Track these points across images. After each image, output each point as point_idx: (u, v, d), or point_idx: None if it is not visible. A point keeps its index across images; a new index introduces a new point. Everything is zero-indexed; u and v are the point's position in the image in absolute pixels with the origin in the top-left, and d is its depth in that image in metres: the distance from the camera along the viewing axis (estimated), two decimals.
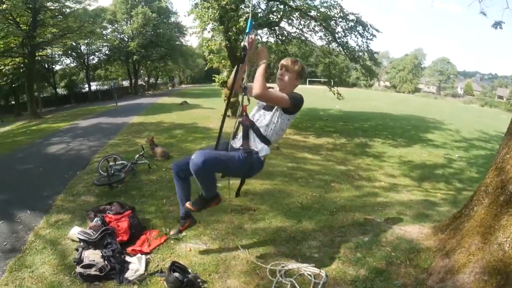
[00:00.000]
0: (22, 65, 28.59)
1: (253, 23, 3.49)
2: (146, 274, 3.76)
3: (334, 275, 3.75)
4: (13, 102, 37.19)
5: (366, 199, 6.81)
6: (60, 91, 45.94)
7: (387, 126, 21.97)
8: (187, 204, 3.69)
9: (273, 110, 3.45)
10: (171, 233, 4.44)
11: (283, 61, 3.62)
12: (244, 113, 3.56)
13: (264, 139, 3.47)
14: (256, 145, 3.47)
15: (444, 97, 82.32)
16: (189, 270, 3.67)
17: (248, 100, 3.56)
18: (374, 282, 3.60)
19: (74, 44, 37.01)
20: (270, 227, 4.97)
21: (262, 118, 3.52)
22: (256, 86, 3.23)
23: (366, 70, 19.32)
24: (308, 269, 3.79)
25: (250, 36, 3.48)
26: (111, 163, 7.46)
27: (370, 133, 18.51)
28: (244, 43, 3.51)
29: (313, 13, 17.40)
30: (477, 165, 12.91)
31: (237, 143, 3.57)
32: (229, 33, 16.25)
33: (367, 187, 8.15)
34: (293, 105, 3.40)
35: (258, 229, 4.86)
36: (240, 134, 3.57)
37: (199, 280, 3.56)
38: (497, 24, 13.33)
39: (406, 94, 79.81)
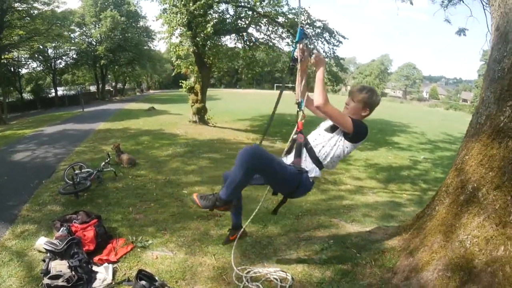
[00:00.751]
0: None
1: (302, 30, 3.18)
2: (113, 283, 3.73)
3: (300, 278, 3.81)
4: None
5: (331, 202, 6.93)
6: (26, 96, 44.75)
7: None
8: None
9: (334, 133, 3.22)
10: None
11: (352, 88, 3.45)
12: (299, 130, 3.30)
13: (316, 161, 3.24)
14: (307, 164, 3.24)
15: (410, 101, 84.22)
16: (156, 278, 3.66)
17: (303, 115, 3.32)
18: (340, 284, 3.66)
19: (41, 47, 36.23)
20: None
21: (319, 138, 3.29)
22: (317, 94, 3.00)
23: (332, 76, 19.63)
24: (274, 273, 3.83)
25: (300, 46, 3.23)
26: (76, 171, 7.35)
27: None
28: (295, 54, 3.28)
29: (280, 19, 17.67)
30: (442, 165, 13.23)
31: (289, 159, 3.32)
32: (197, 38, 16.28)
33: (333, 190, 8.28)
34: (355, 132, 3.11)
35: (224, 235, 4.81)
36: (294, 151, 3.29)
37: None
38: (461, 31, 13.74)
39: None
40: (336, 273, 3.83)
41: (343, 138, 3.17)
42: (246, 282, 3.70)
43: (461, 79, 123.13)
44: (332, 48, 18.35)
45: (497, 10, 3.51)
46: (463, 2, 13.39)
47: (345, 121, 3.06)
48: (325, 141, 3.23)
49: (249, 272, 3.87)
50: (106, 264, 4.04)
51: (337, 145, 3.20)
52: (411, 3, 13.77)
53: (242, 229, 3.90)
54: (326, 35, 17.99)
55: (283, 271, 3.86)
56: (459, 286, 3.00)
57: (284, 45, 19.81)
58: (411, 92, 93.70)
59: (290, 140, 3.39)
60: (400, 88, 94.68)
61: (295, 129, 3.31)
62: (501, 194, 3.02)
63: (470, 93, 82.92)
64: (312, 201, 6.76)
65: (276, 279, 3.74)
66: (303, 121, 3.31)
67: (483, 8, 7.50)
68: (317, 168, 3.25)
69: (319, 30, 17.96)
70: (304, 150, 3.25)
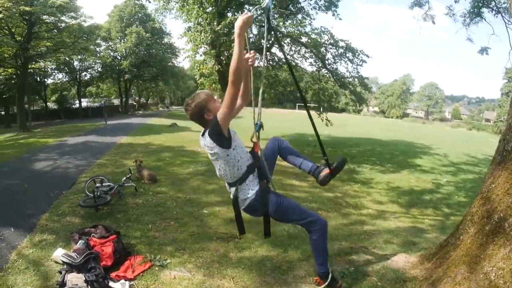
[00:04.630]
0: (14, 76, 28.84)
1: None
2: None
3: None
4: (2, 113, 37.07)
5: (353, 227, 6.80)
6: (51, 105, 45.78)
7: (375, 152, 22.15)
8: None
9: None
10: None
11: None
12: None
13: None
14: None
15: (432, 121, 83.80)
16: None
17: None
18: None
19: (67, 59, 37.16)
20: (255, 256, 4.93)
21: None
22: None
23: (355, 96, 19.61)
24: None
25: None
26: (97, 185, 7.36)
27: (358, 159, 18.62)
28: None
29: (303, 39, 17.74)
30: (465, 189, 12.95)
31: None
32: (221, 57, 16.43)
33: (354, 214, 8.12)
34: None
35: (243, 258, 4.82)
36: None
37: None
38: (483, 50, 13.62)
39: (395, 119, 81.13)
40: None
41: None
42: None
43: (484, 98, 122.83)
44: (356, 68, 18.35)
45: None
46: (485, 20, 13.31)
47: None
48: None
49: None
50: (123, 280, 4.01)
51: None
52: (433, 22, 13.72)
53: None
54: (349, 54, 18.00)
55: None
56: None
57: (307, 65, 19.88)
58: (433, 112, 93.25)
59: None
60: (422, 108, 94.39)
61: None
62: None
63: (493, 112, 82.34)
64: (334, 226, 6.64)
65: None
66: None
67: (505, 26, 7.39)
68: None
69: (342, 50, 17.99)
70: None
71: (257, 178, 3.34)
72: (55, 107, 45.56)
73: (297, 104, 79.27)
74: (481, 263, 3.19)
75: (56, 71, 41.57)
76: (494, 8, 13.15)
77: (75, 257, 4.03)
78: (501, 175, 3.36)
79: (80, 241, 4.57)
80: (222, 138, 3.08)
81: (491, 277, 3.02)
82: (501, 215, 3.20)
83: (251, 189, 3.31)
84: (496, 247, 3.13)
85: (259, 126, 3.43)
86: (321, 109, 21.07)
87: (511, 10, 3.75)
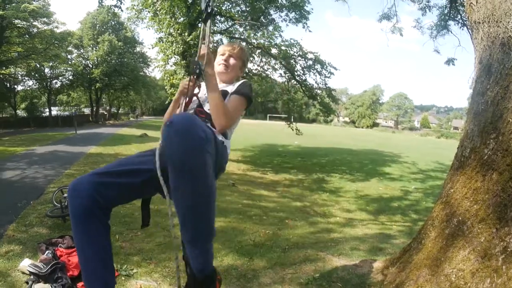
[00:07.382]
0: None
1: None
2: None
3: None
4: None
5: (320, 235, 6.88)
6: (20, 113, 44.70)
7: (344, 161, 22.47)
8: None
9: None
10: None
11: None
12: None
13: None
14: None
15: (402, 130, 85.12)
16: None
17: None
18: None
19: (38, 66, 36.65)
20: (221, 265, 4.92)
21: None
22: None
23: (324, 106, 19.90)
24: None
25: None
26: (65, 195, 7.18)
27: (328, 169, 18.93)
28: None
29: (273, 51, 17.97)
30: (433, 195, 13.19)
31: None
32: None
33: (322, 223, 8.24)
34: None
35: None
36: None
37: None
38: (450, 61, 14.04)
39: (365, 129, 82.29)
40: None
41: None
42: None
43: (452, 107, 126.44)
44: (324, 80, 18.67)
45: (480, 43, 3.55)
46: (451, 32, 13.75)
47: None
48: None
49: None
50: None
51: None
52: (401, 34, 14.14)
53: None
54: (318, 66, 18.31)
55: None
56: None
57: (277, 76, 20.17)
58: (403, 122, 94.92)
59: None
60: (392, 118, 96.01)
61: None
62: (486, 227, 3.02)
63: (461, 120, 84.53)
64: (300, 234, 6.71)
65: None
66: None
67: (471, 38, 7.60)
68: None
69: (310, 62, 18.29)
70: None
71: None
72: (25, 115, 44.42)
73: (268, 115, 79.76)
74: (442, 265, 3.24)
75: (26, 78, 40.85)
76: (460, 20, 13.61)
77: (42, 267, 3.99)
78: (459, 180, 3.44)
79: (47, 252, 4.53)
80: None
81: (452, 278, 3.08)
82: (460, 218, 3.28)
83: None
84: (455, 249, 3.20)
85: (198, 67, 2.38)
86: (292, 119, 21.32)
87: (468, 19, 3.84)
